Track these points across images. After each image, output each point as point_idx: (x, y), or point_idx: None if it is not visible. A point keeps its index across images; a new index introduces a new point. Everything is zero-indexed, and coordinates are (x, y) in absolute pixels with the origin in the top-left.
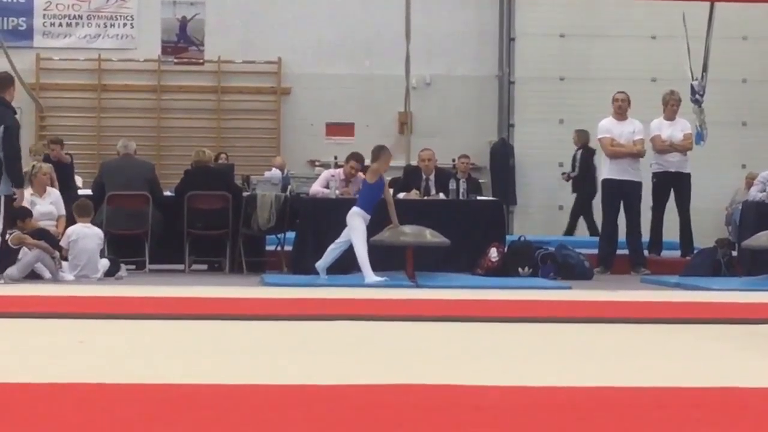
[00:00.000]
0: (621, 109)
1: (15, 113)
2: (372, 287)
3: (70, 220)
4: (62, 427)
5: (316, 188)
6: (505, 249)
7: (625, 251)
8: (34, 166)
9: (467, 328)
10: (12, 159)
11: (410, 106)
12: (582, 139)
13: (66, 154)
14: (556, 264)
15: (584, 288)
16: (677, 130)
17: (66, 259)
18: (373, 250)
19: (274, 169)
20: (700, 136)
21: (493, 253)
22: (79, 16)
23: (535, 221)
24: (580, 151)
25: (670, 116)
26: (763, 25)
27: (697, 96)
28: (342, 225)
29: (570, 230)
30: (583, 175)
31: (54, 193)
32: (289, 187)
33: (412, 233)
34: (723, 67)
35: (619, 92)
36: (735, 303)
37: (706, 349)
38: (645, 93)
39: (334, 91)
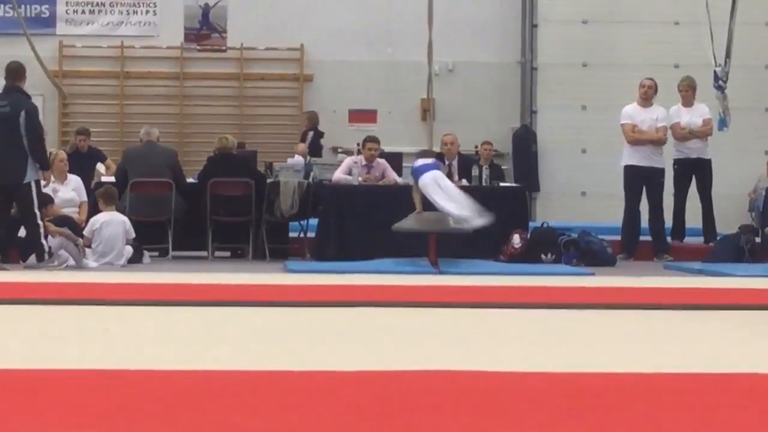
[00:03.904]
0: (647, 95)
1: (29, 97)
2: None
3: (92, 207)
4: (86, 413)
5: (339, 175)
6: (528, 235)
7: (648, 238)
8: (51, 153)
9: (490, 314)
10: (36, 143)
11: (433, 92)
12: (312, 121)
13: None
14: (579, 250)
15: (607, 274)
16: (696, 116)
17: (89, 247)
18: (397, 237)
19: (296, 155)
20: (723, 122)
21: (516, 240)
22: (101, 3)
23: (557, 208)
24: (311, 133)
25: (686, 103)
26: None
27: (720, 82)
28: (363, 211)
29: None
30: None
31: (75, 180)
32: (312, 173)
33: (435, 220)
34: (746, 53)
35: (646, 78)
36: (759, 289)
37: (730, 335)
38: (668, 79)
39: (357, 77)
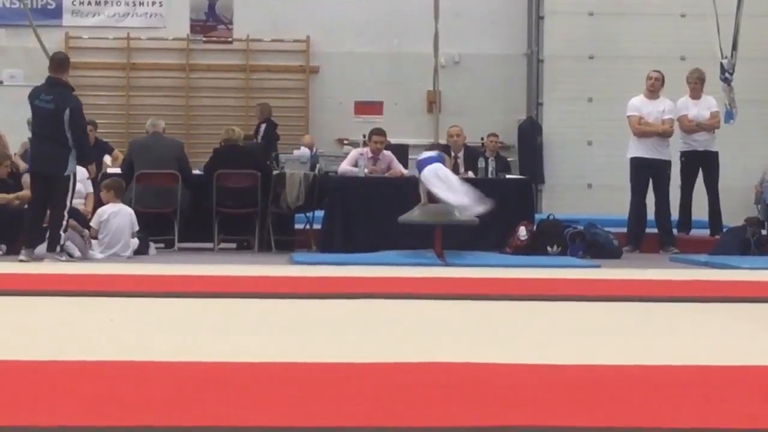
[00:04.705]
0: (654, 87)
1: (73, 90)
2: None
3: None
4: (92, 404)
5: (345, 167)
6: (534, 227)
7: (654, 230)
8: None
9: (496, 306)
10: (81, 140)
11: (439, 84)
12: (265, 112)
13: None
14: (584, 242)
15: (613, 266)
16: (703, 108)
17: (95, 238)
18: (402, 229)
19: (302, 147)
20: (729, 115)
21: (522, 232)
22: None
23: (563, 200)
24: (264, 125)
25: (694, 95)
26: None
27: (727, 74)
28: (369, 203)
29: None
30: (265, 149)
31: (81, 171)
32: (318, 165)
33: (441, 212)
34: (752, 45)
35: (654, 71)
36: (765, 282)
37: (736, 328)
38: (674, 71)
39: (363, 69)
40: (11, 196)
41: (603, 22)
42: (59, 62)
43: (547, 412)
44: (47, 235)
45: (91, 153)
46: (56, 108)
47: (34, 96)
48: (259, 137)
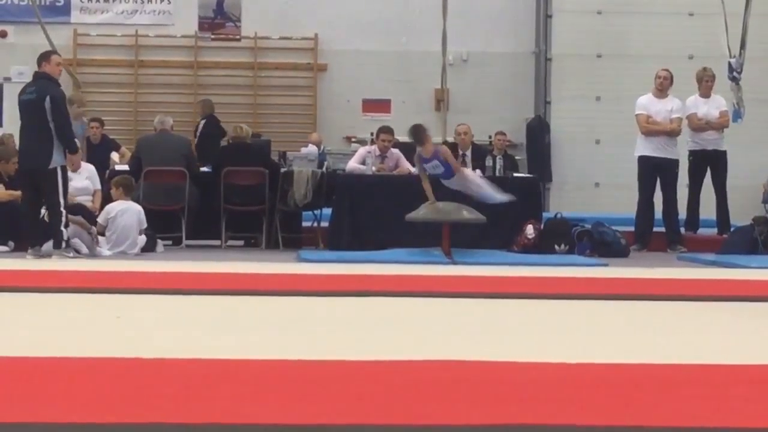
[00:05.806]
0: (662, 86)
1: (59, 85)
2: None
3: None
4: (99, 401)
5: (353, 164)
6: (542, 226)
7: (662, 229)
8: None
9: (503, 304)
10: (62, 127)
11: (447, 82)
12: (207, 108)
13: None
14: (592, 241)
15: (621, 265)
16: (713, 107)
17: (103, 235)
18: (410, 227)
19: (310, 145)
20: (737, 114)
21: (530, 230)
22: None
23: (571, 198)
24: (203, 121)
25: (705, 93)
26: None
27: (735, 73)
28: (377, 201)
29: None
30: (204, 144)
31: (89, 168)
32: (326, 163)
33: (448, 210)
34: (760, 44)
35: (662, 69)
36: None
37: (743, 327)
38: (682, 70)
39: (371, 67)
40: (19, 192)
41: (611, 20)
42: (39, 56)
43: (554, 410)
44: (51, 233)
45: (74, 142)
46: (37, 97)
47: (21, 92)
48: (198, 133)
